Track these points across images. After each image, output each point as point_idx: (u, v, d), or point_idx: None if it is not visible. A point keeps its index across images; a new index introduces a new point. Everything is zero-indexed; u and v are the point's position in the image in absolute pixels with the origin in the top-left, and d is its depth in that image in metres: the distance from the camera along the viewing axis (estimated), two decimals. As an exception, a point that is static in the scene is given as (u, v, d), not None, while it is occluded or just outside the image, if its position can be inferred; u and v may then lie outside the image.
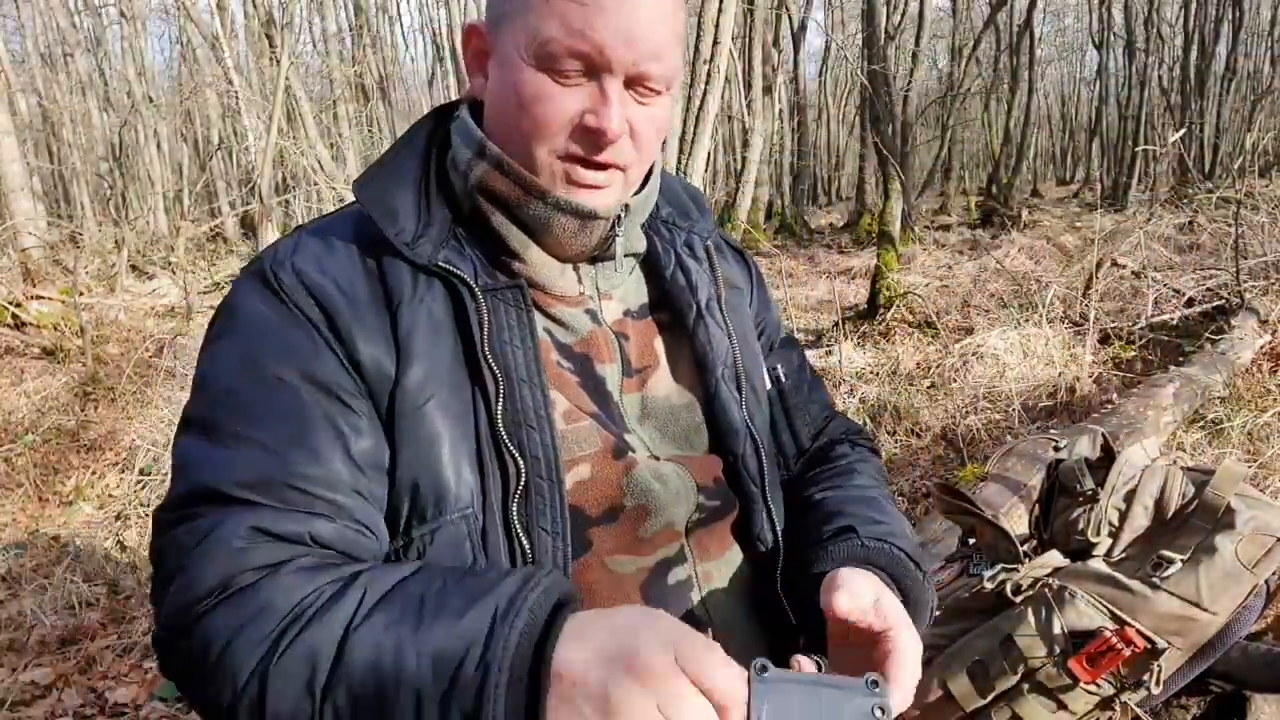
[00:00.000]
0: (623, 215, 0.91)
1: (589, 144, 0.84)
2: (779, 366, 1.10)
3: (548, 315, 0.92)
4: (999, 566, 1.52)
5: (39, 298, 6.70)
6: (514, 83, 0.84)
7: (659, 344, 0.99)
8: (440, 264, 0.85)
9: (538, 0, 0.81)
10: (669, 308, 1.00)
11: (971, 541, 1.66)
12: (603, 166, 0.86)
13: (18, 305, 6.42)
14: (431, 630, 0.67)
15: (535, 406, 0.83)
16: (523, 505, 0.81)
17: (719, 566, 0.94)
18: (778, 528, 0.96)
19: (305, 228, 0.91)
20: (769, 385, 1.07)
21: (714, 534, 0.94)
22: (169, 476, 0.83)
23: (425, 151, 0.93)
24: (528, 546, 0.81)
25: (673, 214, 1.05)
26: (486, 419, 0.82)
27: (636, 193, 0.94)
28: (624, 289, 0.98)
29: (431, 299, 0.85)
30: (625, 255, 0.96)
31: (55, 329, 6.22)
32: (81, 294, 6.72)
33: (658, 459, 0.92)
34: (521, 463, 0.81)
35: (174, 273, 8.04)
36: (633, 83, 0.84)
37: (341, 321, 0.81)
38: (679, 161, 6.31)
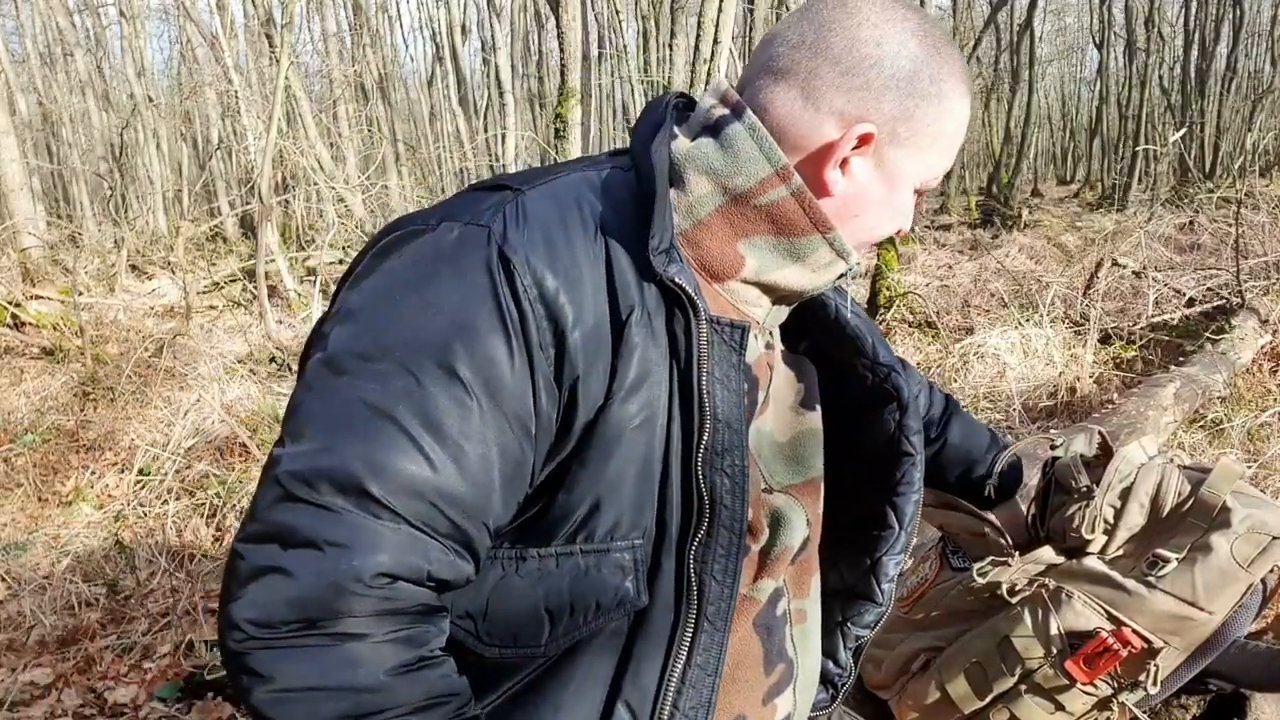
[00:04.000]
0: (854, 270, 0.94)
1: (883, 237, 0.93)
2: None
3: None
4: (988, 559, 1.52)
5: (38, 298, 6.71)
6: (899, 199, 0.89)
7: (778, 371, 0.99)
8: (675, 279, 0.79)
9: (946, 143, 0.88)
10: (810, 337, 1.04)
11: (944, 538, 1.66)
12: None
13: (17, 305, 6.43)
14: None
15: (733, 452, 0.81)
16: (701, 550, 0.80)
17: (809, 605, 0.98)
18: (919, 510, 1.06)
19: (526, 192, 0.80)
20: None
21: (803, 568, 0.97)
22: (292, 423, 0.73)
23: (669, 139, 0.87)
24: (698, 592, 0.81)
25: None
26: (681, 452, 0.80)
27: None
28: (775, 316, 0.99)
29: (654, 311, 0.80)
30: None
31: (55, 329, 6.22)
32: (81, 294, 6.73)
33: (771, 490, 0.93)
34: (708, 506, 0.80)
35: (173, 272, 8.05)
36: None
37: (570, 344, 0.75)
38: (678, 161, 6.31)
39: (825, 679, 1.08)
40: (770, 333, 0.97)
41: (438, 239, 0.76)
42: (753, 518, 0.86)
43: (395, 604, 0.70)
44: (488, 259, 0.74)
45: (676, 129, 0.87)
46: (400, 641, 0.70)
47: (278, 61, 8.73)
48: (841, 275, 0.92)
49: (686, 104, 0.92)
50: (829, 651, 1.06)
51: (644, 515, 0.79)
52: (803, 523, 0.93)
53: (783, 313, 0.97)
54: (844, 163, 0.85)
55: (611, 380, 0.77)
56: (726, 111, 0.86)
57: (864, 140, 0.84)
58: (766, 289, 0.90)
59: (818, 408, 1.00)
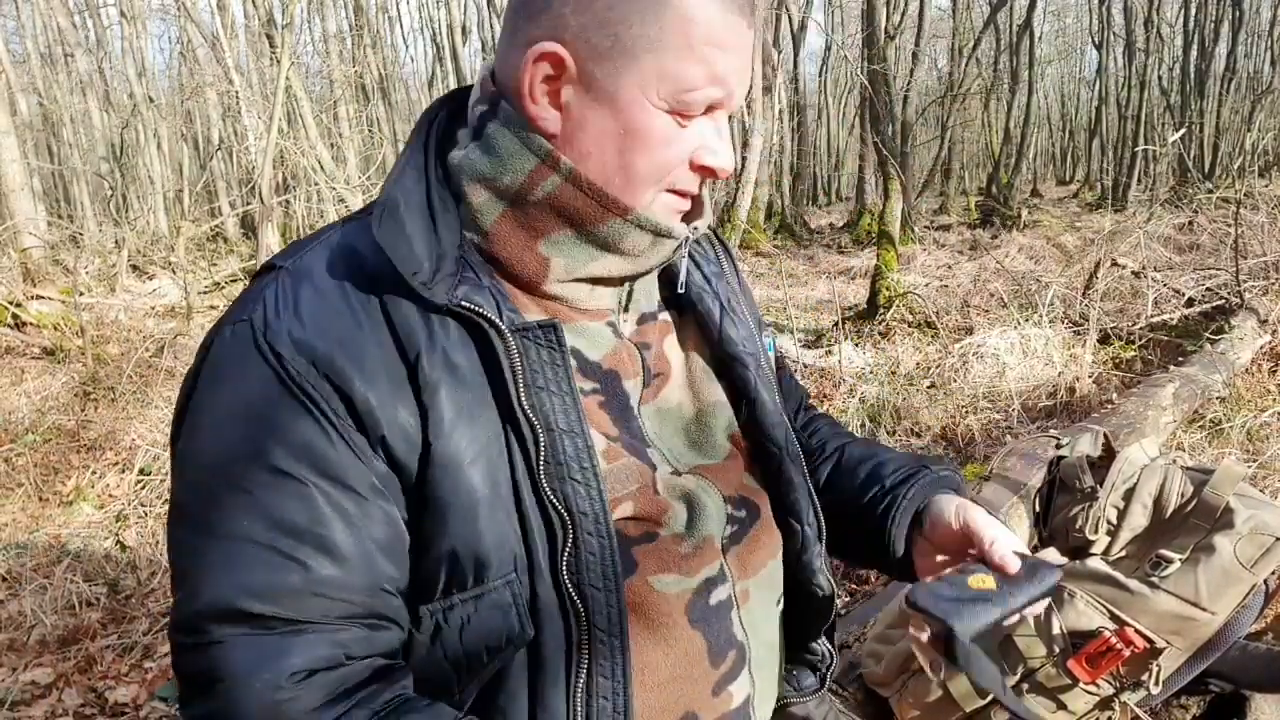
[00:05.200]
0: (690, 237, 0.87)
1: (698, 180, 0.83)
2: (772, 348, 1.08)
3: (571, 331, 0.85)
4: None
5: (39, 298, 6.70)
6: (639, 124, 0.77)
7: (669, 345, 0.94)
8: (461, 304, 0.75)
9: (677, 42, 0.75)
10: (682, 307, 0.95)
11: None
12: (695, 196, 0.84)
13: (18, 305, 6.43)
14: None
15: (579, 458, 0.77)
16: (573, 563, 0.77)
17: (756, 584, 0.93)
18: (817, 504, 0.98)
19: (287, 269, 0.79)
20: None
21: (748, 547, 0.93)
22: (172, 575, 0.76)
23: (424, 161, 0.82)
24: (580, 606, 0.78)
25: None
26: (526, 474, 0.76)
27: (697, 215, 0.89)
28: (642, 294, 0.92)
29: (448, 342, 0.76)
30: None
31: (55, 329, 6.22)
32: (81, 294, 6.73)
33: (679, 473, 0.89)
34: (568, 518, 0.77)
35: (174, 273, 8.04)
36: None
37: (358, 402, 0.73)
38: (679, 161, 6.31)
39: (808, 665, 1.05)
40: (647, 307, 0.92)
41: (219, 349, 0.76)
42: (653, 508, 0.84)
43: (332, 690, 0.71)
44: (259, 350, 0.73)
45: (460, 134, 0.83)
46: (358, 712, 0.72)
47: (278, 62, 8.73)
48: (679, 247, 0.86)
49: (458, 107, 0.87)
50: (800, 641, 1.03)
51: (507, 548, 0.76)
52: (718, 506, 0.89)
53: (649, 284, 0.92)
54: (551, 95, 0.78)
55: (425, 424, 0.74)
56: (485, 107, 0.82)
57: (552, 62, 0.76)
58: (594, 282, 0.85)
59: (747, 378, 0.95)
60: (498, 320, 0.76)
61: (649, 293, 0.93)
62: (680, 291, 0.93)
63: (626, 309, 0.90)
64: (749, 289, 1.10)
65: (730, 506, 0.91)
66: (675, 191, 0.82)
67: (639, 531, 0.84)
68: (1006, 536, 0.87)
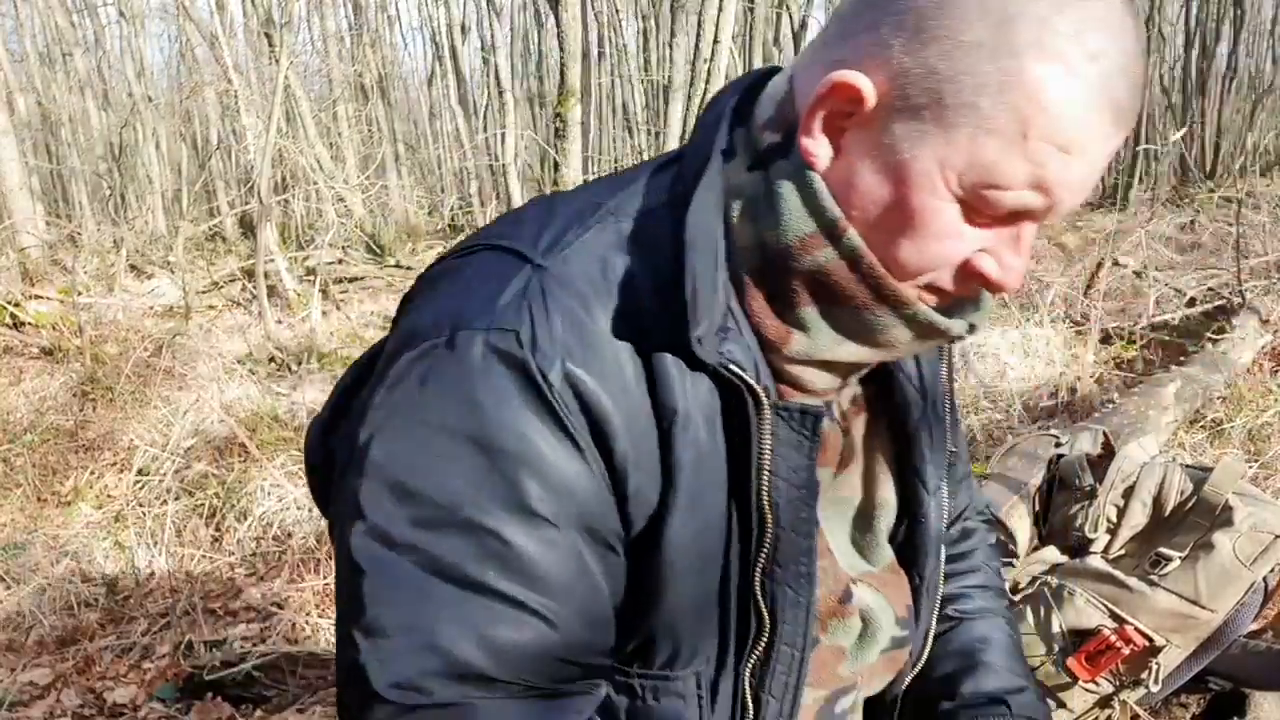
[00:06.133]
0: (966, 337, 0.72)
1: (973, 287, 0.68)
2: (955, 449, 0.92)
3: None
4: (995, 562, 1.52)
5: (37, 297, 6.70)
6: (914, 204, 0.62)
7: (860, 426, 0.81)
8: (729, 365, 0.64)
9: (1009, 130, 0.59)
10: (888, 388, 0.82)
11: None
12: (968, 298, 0.71)
13: (16, 305, 6.42)
14: None
15: (798, 563, 0.69)
16: (760, 668, 0.71)
17: (879, 691, 0.87)
18: (924, 654, 0.89)
19: (549, 271, 0.65)
20: None
21: (891, 662, 0.86)
22: (355, 621, 0.62)
23: (718, 181, 0.67)
24: (753, 712, 0.72)
25: None
26: (739, 564, 0.69)
27: (976, 305, 0.74)
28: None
29: (696, 392, 0.65)
30: None
31: (54, 329, 6.22)
32: (80, 294, 6.72)
33: (854, 580, 0.80)
34: (769, 621, 0.69)
35: (173, 272, 8.04)
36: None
37: (618, 453, 0.63)
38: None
39: None
40: (857, 385, 0.80)
41: (460, 359, 0.62)
42: (832, 615, 0.76)
43: None
44: (526, 373, 0.61)
45: (738, 140, 0.69)
46: None
47: (277, 61, 8.73)
48: (932, 336, 0.70)
49: (749, 95, 0.72)
50: None
51: (704, 640, 0.70)
52: (890, 621, 0.81)
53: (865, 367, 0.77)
54: (834, 132, 0.64)
55: (666, 492, 0.65)
56: (777, 137, 0.67)
57: (852, 97, 0.62)
58: (826, 366, 0.71)
59: (920, 493, 0.84)
60: (759, 389, 0.66)
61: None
62: (910, 385, 0.81)
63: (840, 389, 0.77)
64: (952, 382, 0.95)
65: (899, 627, 0.83)
66: (932, 289, 0.68)
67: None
68: None
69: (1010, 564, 1.54)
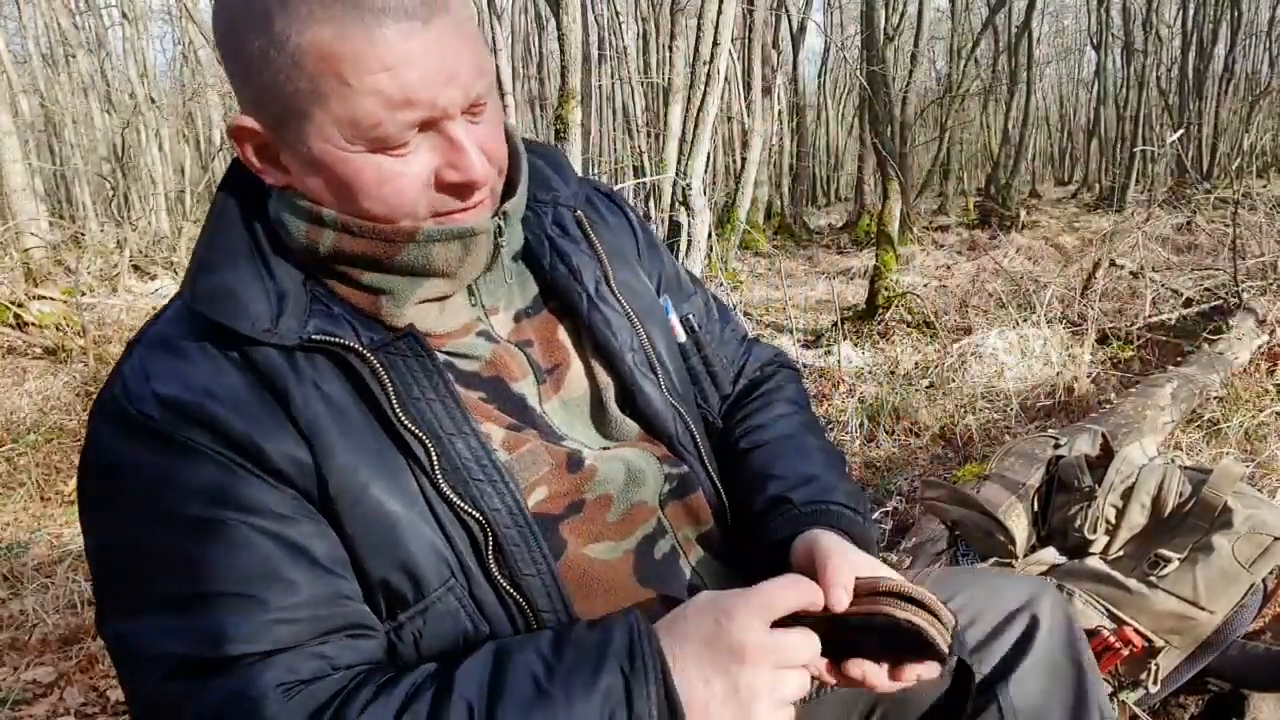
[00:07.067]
0: (503, 224, 0.84)
1: (456, 195, 0.78)
2: (690, 315, 1.04)
3: (442, 353, 0.84)
4: (992, 560, 1.53)
5: (41, 298, 6.70)
6: (344, 175, 0.75)
7: (562, 334, 0.93)
8: (314, 336, 0.75)
9: (334, 87, 0.71)
10: (559, 298, 0.93)
11: (957, 534, 1.67)
12: (471, 203, 0.80)
13: (20, 305, 6.42)
14: (572, 708, 0.67)
15: (475, 456, 0.78)
16: (500, 560, 0.77)
17: (699, 531, 0.93)
18: (723, 495, 0.96)
19: (141, 341, 0.80)
20: (683, 337, 1.02)
21: (688, 501, 0.93)
22: (123, 663, 0.74)
23: (244, 220, 0.81)
24: (520, 597, 0.78)
25: (532, 190, 0.93)
26: (430, 484, 0.76)
27: (507, 196, 0.86)
28: (508, 293, 0.90)
29: (318, 377, 0.76)
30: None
31: (57, 329, 6.22)
32: (84, 294, 6.73)
33: (606, 449, 0.90)
34: (482, 519, 0.77)
35: (176, 273, 8.05)
36: (467, 110, 0.76)
37: (242, 440, 0.72)
38: (679, 162, 6.32)
39: None
40: (522, 304, 0.91)
41: (95, 430, 0.77)
42: (571, 484, 0.84)
43: (318, 700, 0.70)
44: (129, 419, 0.73)
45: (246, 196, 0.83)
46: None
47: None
48: (500, 237, 0.83)
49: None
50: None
51: (438, 557, 0.76)
52: (654, 467, 0.90)
53: (514, 280, 0.90)
54: (271, 159, 0.78)
55: (314, 456, 0.74)
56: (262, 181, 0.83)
57: (251, 134, 0.77)
58: (431, 302, 0.83)
59: (623, 370, 0.93)
60: (355, 344, 0.76)
61: (518, 290, 0.91)
62: (533, 288, 0.91)
63: (485, 314, 0.88)
64: (656, 248, 1.07)
65: (668, 465, 0.92)
66: (439, 214, 0.79)
67: (560, 508, 0.84)
68: (854, 564, 0.79)
69: (1009, 564, 1.55)
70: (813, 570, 0.79)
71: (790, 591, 0.72)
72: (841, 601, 0.74)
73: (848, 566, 0.77)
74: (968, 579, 1.03)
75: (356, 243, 0.78)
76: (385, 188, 0.75)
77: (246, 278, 0.77)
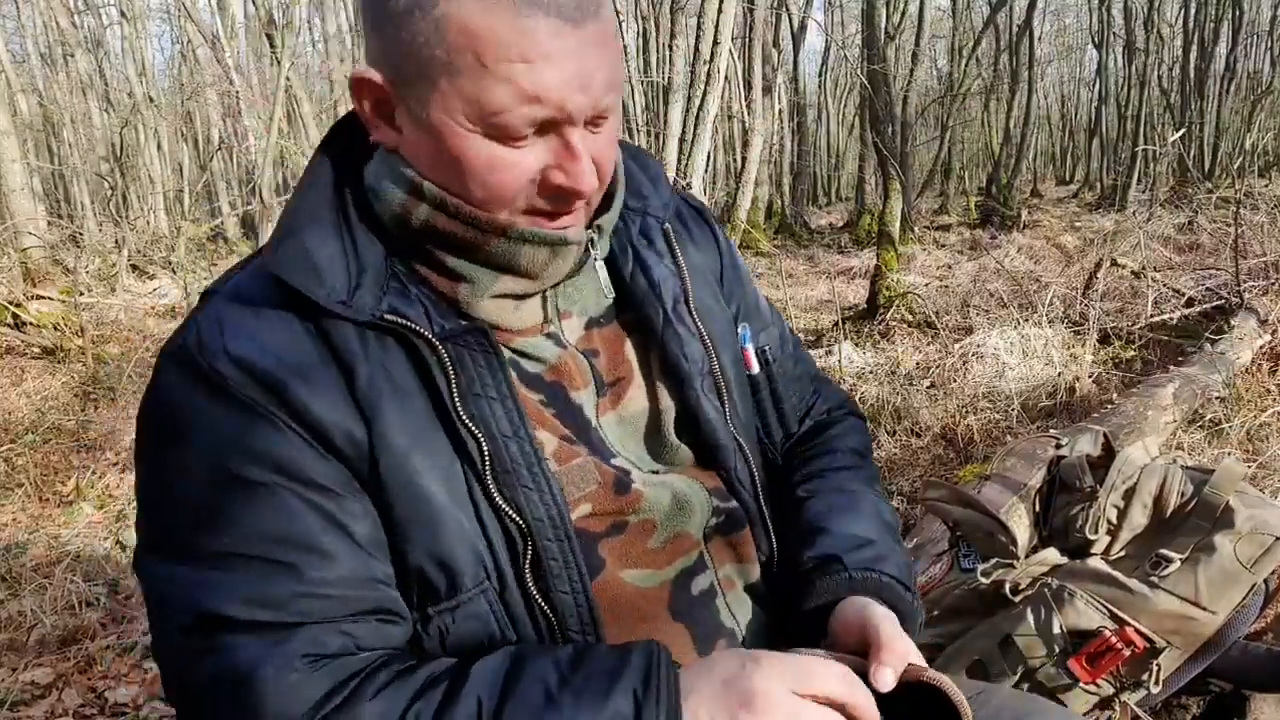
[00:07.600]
0: (596, 238, 0.85)
1: (558, 201, 0.77)
2: (767, 347, 1.01)
3: (509, 349, 0.83)
4: (994, 561, 1.53)
5: (39, 297, 6.70)
6: (455, 151, 0.74)
7: (629, 349, 0.90)
8: (387, 316, 0.75)
9: (469, 64, 0.70)
10: (634, 310, 0.91)
11: (959, 535, 1.66)
12: (568, 210, 0.79)
13: (18, 305, 6.42)
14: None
15: (527, 462, 0.76)
16: (535, 571, 0.77)
17: (742, 571, 0.91)
18: (774, 537, 0.93)
19: (220, 292, 0.80)
20: (757, 368, 0.99)
21: (734, 539, 0.91)
22: (154, 610, 0.74)
23: (336, 185, 0.80)
24: (549, 612, 0.77)
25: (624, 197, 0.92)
26: (479, 483, 0.76)
27: (603, 209, 0.86)
28: (584, 300, 0.88)
29: (386, 357, 0.75)
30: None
31: (55, 329, 6.22)
32: (82, 294, 6.73)
33: (658, 473, 0.88)
34: (524, 526, 0.76)
35: (174, 273, 8.05)
36: (590, 121, 0.76)
37: (303, 410, 0.72)
38: (679, 162, 6.31)
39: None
40: (595, 312, 0.89)
41: (162, 379, 0.76)
42: (616, 504, 0.83)
43: (338, 676, 0.70)
44: (199, 371, 0.73)
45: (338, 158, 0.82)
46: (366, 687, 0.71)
47: (278, 62, 8.74)
48: (588, 249, 0.83)
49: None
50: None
51: (477, 557, 0.76)
52: (703, 499, 0.88)
53: (589, 288, 0.88)
54: (385, 117, 0.77)
55: (371, 435, 0.73)
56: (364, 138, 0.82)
57: (372, 88, 0.76)
58: (509, 298, 0.82)
59: (688, 394, 0.90)
60: (425, 331, 0.75)
61: (593, 298, 0.89)
62: (609, 297, 0.89)
63: (558, 318, 0.86)
64: (739, 270, 1.03)
65: (717, 498, 0.90)
66: (536, 212, 0.78)
67: (603, 527, 0.83)
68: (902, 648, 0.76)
69: (1010, 565, 1.55)
70: (855, 638, 0.78)
71: (837, 684, 0.70)
72: (888, 684, 0.72)
73: (903, 651, 0.75)
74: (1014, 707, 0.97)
75: (450, 223, 0.77)
76: (491, 175, 0.75)
77: (329, 244, 0.77)
